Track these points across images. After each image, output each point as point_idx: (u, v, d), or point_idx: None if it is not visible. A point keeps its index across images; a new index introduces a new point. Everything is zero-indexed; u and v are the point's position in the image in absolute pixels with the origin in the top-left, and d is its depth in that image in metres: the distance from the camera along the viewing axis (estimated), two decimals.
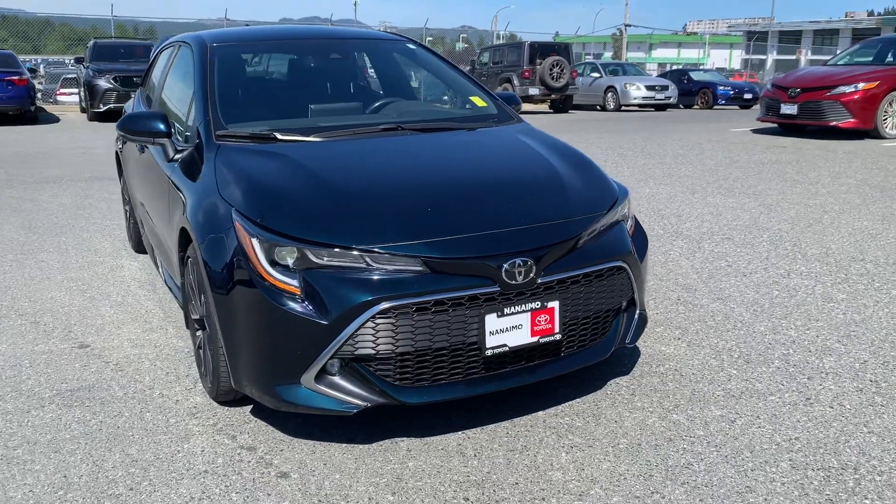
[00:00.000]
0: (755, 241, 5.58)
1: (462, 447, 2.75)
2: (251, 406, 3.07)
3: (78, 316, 4.20)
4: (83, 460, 2.69)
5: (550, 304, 2.74)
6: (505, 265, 2.64)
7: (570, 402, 3.07)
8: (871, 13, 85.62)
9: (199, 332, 3.20)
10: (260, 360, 2.68)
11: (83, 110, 17.99)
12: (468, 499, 2.43)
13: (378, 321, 2.54)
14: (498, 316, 2.66)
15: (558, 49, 21.79)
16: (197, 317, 3.17)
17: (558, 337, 2.79)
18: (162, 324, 4.08)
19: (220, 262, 2.75)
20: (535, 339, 2.74)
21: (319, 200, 2.79)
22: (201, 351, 3.18)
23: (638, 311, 3.13)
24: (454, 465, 2.63)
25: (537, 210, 2.90)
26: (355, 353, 2.57)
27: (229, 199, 2.88)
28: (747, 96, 23.89)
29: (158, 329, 4.00)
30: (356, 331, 2.54)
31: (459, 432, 2.85)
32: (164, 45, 5.06)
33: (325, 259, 2.60)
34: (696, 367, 3.39)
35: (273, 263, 2.62)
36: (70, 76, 24.30)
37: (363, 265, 2.59)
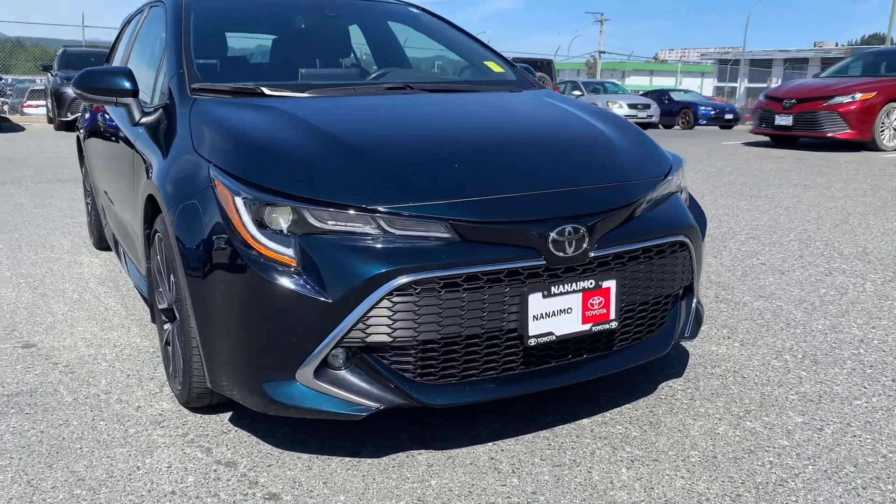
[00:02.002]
0: (783, 241, 5.12)
1: (496, 461, 2.20)
2: (230, 413, 2.50)
3: (25, 314, 3.60)
4: (14, 479, 2.11)
5: (606, 284, 2.22)
6: (553, 233, 2.12)
7: (618, 409, 2.54)
8: (837, 45, 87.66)
9: (166, 325, 2.63)
10: (243, 351, 2.12)
11: (50, 120, 17.26)
12: None
13: (396, 300, 2.00)
14: (544, 296, 2.13)
15: (541, 66, 21.52)
16: (165, 306, 2.60)
17: (614, 325, 2.27)
18: (123, 322, 3.49)
19: (196, 232, 2.20)
20: (587, 326, 2.22)
21: (320, 152, 2.25)
22: (169, 347, 2.61)
23: (695, 301, 2.62)
24: (489, 483, 2.09)
25: (588, 170, 2.38)
26: (366, 340, 2.03)
27: (207, 155, 2.33)
28: (728, 117, 23.78)
29: (119, 327, 3.41)
30: (367, 312, 1.99)
31: (489, 443, 2.31)
32: (130, 14, 4.51)
33: (329, 222, 2.06)
34: (758, 369, 2.88)
35: (262, 227, 2.07)
36: (38, 88, 23.50)
37: (376, 230, 2.05)
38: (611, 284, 2.23)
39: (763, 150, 11.89)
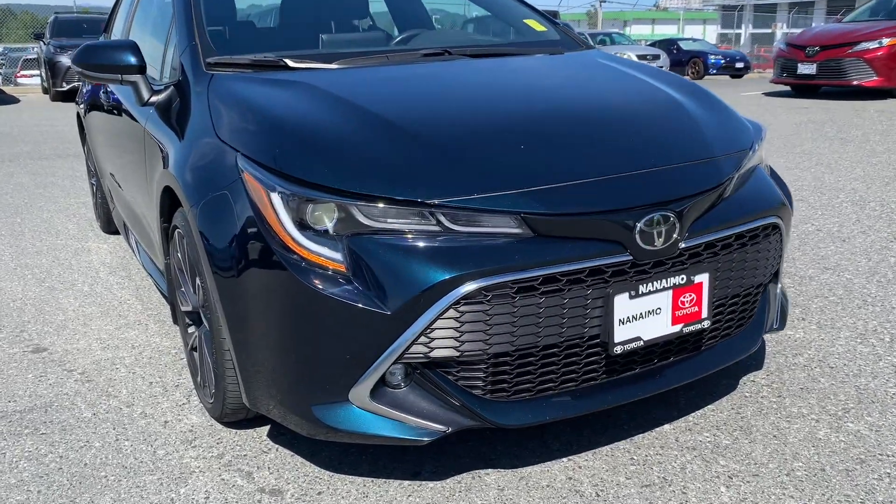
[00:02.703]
0: (833, 203, 4.81)
1: (575, 481, 1.95)
2: (267, 427, 2.24)
3: (33, 311, 3.33)
4: None
5: (698, 279, 1.94)
6: (640, 224, 1.83)
7: (700, 411, 2.27)
8: None
9: (192, 329, 2.36)
10: (288, 369, 1.85)
11: (45, 90, 16.81)
12: None
13: (463, 309, 1.72)
14: (630, 297, 1.85)
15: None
16: (189, 308, 2.33)
17: (706, 324, 1.99)
18: (140, 318, 3.22)
19: (225, 233, 1.91)
20: (678, 327, 1.94)
21: (365, 136, 1.95)
22: (196, 353, 2.34)
23: (779, 287, 2.34)
24: None
25: (671, 146, 2.08)
26: (430, 355, 1.75)
27: (232, 142, 2.03)
28: (739, 65, 23.15)
29: (136, 325, 3.14)
30: (431, 324, 1.71)
31: (563, 459, 2.05)
32: None
33: (382, 220, 1.77)
34: (845, 356, 2.60)
35: (303, 227, 1.79)
36: (31, 57, 22.92)
37: (437, 227, 1.76)
38: (703, 279, 1.94)
39: (786, 101, 11.47)
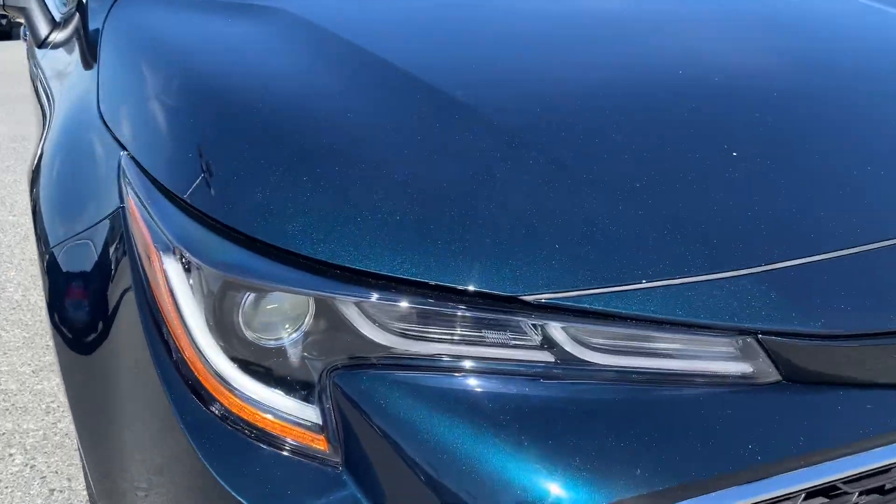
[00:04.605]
0: None
1: None
2: None
3: None
4: None
5: None
6: None
7: None
8: None
9: None
10: None
11: None
12: None
13: None
14: None
15: None
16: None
17: None
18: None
19: (85, 321, 0.93)
20: None
21: (391, 141, 0.90)
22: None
23: None
24: None
25: None
26: None
27: (116, 128, 1.01)
28: None
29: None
30: None
31: None
32: None
33: (414, 335, 0.75)
34: None
35: (233, 341, 0.77)
36: None
37: (551, 358, 0.74)
38: None
39: None
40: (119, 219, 0.90)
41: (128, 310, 0.85)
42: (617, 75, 1.11)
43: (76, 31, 1.45)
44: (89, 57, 1.28)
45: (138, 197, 0.87)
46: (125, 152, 0.95)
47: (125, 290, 0.86)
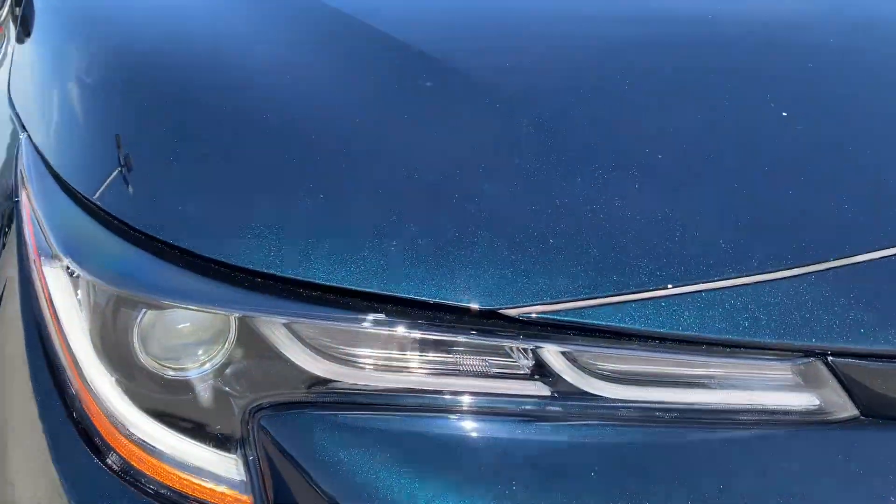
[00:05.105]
0: None
1: None
2: None
3: None
4: None
5: None
6: None
7: None
8: None
9: None
10: None
11: None
12: None
13: None
14: None
15: None
16: None
17: None
18: None
19: None
20: None
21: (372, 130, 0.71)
22: None
23: None
24: None
25: None
26: None
27: (17, 98, 0.85)
28: None
29: None
30: None
31: None
32: None
33: (367, 364, 0.57)
34: None
35: (128, 372, 0.60)
36: None
37: (546, 391, 0.55)
38: None
39: None
40: (15, 214, 0.74)
41: (13, 331, 0.67)
42: (637, 40, 0.90)
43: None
44: (21, 32, 1.12)
45: (30, 177, 0.71)
46: (23, 129, 0.78)
47: (13, 307, 0.69)
